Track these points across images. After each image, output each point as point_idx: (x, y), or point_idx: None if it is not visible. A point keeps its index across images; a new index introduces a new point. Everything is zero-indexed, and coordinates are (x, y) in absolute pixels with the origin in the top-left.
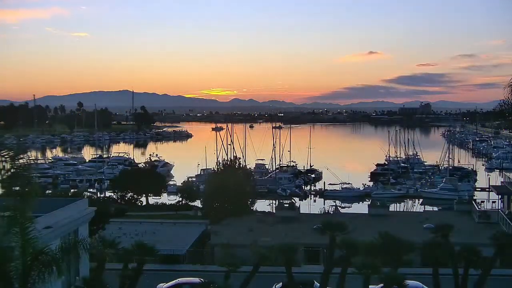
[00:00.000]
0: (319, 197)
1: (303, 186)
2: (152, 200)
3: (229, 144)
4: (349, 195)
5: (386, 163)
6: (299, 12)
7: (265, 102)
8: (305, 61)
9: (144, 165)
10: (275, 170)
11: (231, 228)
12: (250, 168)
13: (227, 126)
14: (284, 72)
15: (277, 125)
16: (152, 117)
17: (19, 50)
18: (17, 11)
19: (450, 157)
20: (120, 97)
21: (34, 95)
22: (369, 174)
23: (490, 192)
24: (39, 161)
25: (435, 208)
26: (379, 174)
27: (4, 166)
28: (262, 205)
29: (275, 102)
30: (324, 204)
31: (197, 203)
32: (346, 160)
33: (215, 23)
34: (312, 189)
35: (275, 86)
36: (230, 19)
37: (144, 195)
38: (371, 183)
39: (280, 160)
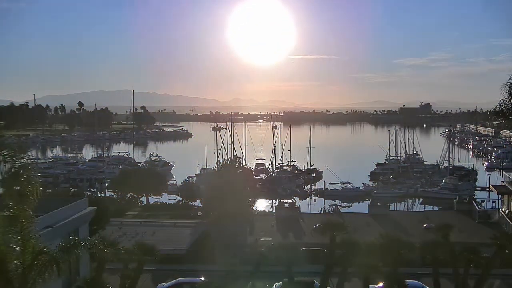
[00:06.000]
0: (319, 197)
1: (303, 186)
2: (152, 200)
3: (229, 144)
4: (349, 194)
5: (386, 162)
6: None
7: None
8: None
9: (144, 164)
10: (275, 169)
11: (231, 228)
12: (250, 167)
13: (227, 125)
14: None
15: (276, 125)
16: (152, 116)
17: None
18: None
19: (450, 156)
20: (120, 97)
21: (34, 94)
22: (369, 174)
23: (490, 192)
24: (39, 161)
25: (435, 208)
26: (379, 174)
27: (4, 165)
28: (262, 205)
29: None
30: (324, 204)
31: (197, 203)
32: (346, 160)
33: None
34: (312, 189)
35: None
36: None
37: (144, 195)
38: (371, 183)
39: (280, 160)
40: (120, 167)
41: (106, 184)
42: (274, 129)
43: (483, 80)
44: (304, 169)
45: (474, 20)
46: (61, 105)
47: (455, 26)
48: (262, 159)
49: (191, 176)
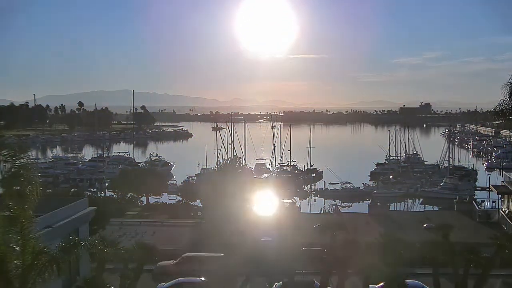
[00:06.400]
0: (319, 197)
1: (303, 186)
2: (152, 200)
3: (229, 144)
4: (349, 194)
5: (386, 162)
6: None
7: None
8: None
9: (144, 164)
10: (275, 169)
11: (231, 228)
12: (250, 167)
13: (227, 125)
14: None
15: (275, 125)
16: (152, 116)
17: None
18: None
19: (450, 156)
20: (120, 97)
21: (34, 94)
22: (369, 174)
23: (490, 192)
24: (39, 161)
25: (435, 208)
26: (379, 174)
27: (4, 165)
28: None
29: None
30: (324, 204)
31: (197, 203)
32: (346, 160)
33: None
34: (312, 189)
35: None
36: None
37: (144, 195)
38: (371, 183)
39: (280, 160)
40: (120, 167)
41: (106, 184)
42: (273, 129)
43: (483, 79)
44: (304, 169)
45: (474, 19)
46: (61, 105)
47: (456, 25)
48: (262, 159)
49: (191, 176)
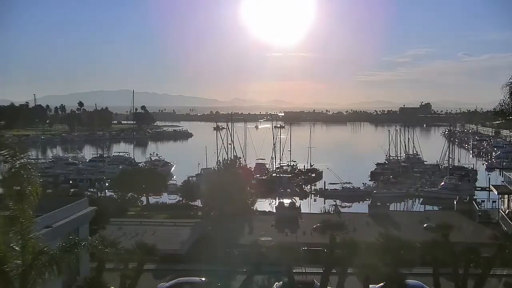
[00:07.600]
0: (319, 197)
1: (303, 186)
2: (152, 200)
3: (229, 144)
4: (349, 194)
5: (387, 162)
6: None
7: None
8: None
9: (144, 164)
10: (275, 169)
11: (231, 228)
12: (250, 167)
13: (227, 125)
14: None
15: (277, 125)
16: (152, 116)
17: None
18: None
19: (450, 156)
20: (120, 97)
21: (34, 94)
22: (369, 174)
23: (490, 192)
24: (39, 161)
25: (435, 208)
26: (379, 174)
27: (4, 165)
28: (262, 205)
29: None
30: (324, 204)
31: (197, 203)
32: (346, 160)
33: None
34: (312, 189)
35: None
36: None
37: (144, 195)
38: (371, 183)
39: (280, 160)
40: (120, 167)
41: (106, 184)
42: (276, 129)
43: (484, 79)
44: (304, 169)
45: (475, 18)
46: (61, 105)
47: (456, 25)
48: (262, 159)
49: (191, 176)
